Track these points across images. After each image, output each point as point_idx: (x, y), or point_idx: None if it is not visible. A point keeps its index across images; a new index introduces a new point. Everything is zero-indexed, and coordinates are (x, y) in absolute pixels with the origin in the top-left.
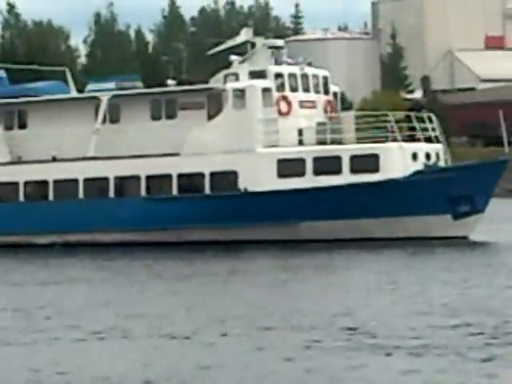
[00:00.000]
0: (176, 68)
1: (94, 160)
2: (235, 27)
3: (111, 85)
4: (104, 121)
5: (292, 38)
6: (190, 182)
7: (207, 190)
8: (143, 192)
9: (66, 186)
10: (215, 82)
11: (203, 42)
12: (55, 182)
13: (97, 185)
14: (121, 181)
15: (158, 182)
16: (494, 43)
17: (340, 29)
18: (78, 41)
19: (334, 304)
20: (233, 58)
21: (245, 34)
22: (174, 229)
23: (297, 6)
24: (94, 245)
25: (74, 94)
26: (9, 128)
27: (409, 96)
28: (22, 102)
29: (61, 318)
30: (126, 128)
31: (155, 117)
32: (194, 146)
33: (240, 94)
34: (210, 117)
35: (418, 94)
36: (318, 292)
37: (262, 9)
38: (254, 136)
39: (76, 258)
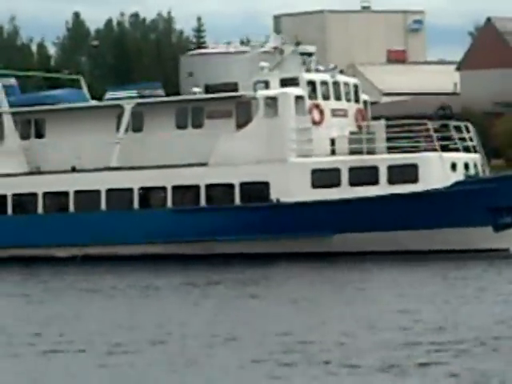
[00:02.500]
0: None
1: (117, 170)
2: (138, 39)
3: (132, 93)
4: (126, 130)
5: (195, 51)
6: (219, 192)
7: (237, 201)
8: (170, 203)
9: (88, 198)
10: (244, 90)
11: (105, 55)
12: (76, 193)
13: (120, 196)
14: (146, 192)
15: (184, 192)
16: (396, 57)
17: (242, 42)
18: None
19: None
20: (262, 64)
21: (273, 41)
22: (201, 241)
23: (199, 19)
24: (117, 258)
25: (93, 102)
26: (25, 137)
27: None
28: (40, 110)
29: None
30: (150, 137)
31: (181, 126)
32: (222, 155)
33: (272, 102)
34: (239, 126)
35: None
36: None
37: (166, 21)
38: (287, 145)
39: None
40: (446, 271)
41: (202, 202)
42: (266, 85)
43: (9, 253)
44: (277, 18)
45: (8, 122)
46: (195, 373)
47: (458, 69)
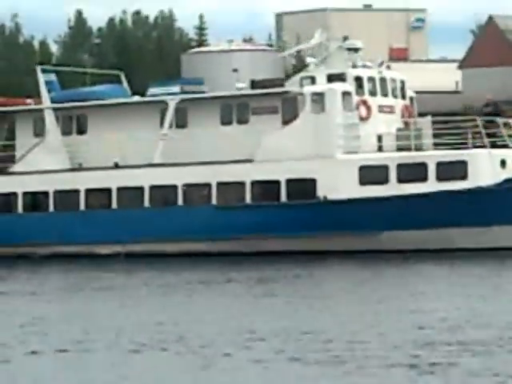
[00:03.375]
0: (80, 78)
1: (160, 167)
2: (140, 37)
3: (176, 88)
4: (170, 126)
5: (196, 49)
6: (265, 189)
7: (283, 198)
8: (214, 200)
9: (131, 194)
10: (290, 86)
11: (107, 53)
12: (119, 189)
13: (164, 193)
14: (190, 188)
15: (229, 189)
16: (398, 55)
17: (245, 40)
18: None
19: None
20: (309, 60)
21: (319, 36)
22: (247, 239)
23: (201, 17)
24: (160, 255)
25: (136, 97)
26: (67, 134)
27: None
28: (82, 106)
29: None
30: (195, 133)
31: (225, 122)
32: (268, 152)
33: (318, 97)
34: (285, 122)
35: None
36: None
37: (167, 19)
38: (334, 142)
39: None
40: (497, 269)
41: (247, 199)
42: (313, 80)
43: (51, 250)
44: (278, 16)
45: (50, 118)
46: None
47: (460, 67)
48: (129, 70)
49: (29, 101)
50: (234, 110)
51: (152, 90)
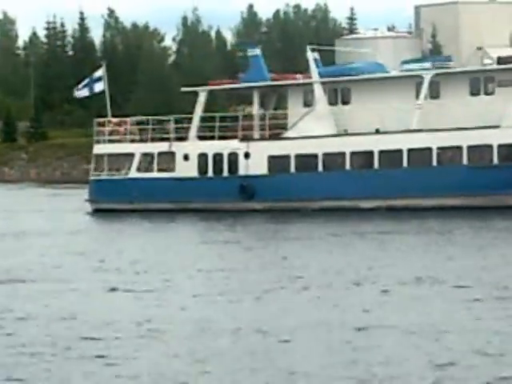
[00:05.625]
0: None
1: (417, 132)
2: (300, 27)
3: (428, 64)
4: (425, 97)
5: (347, 36)
6: (510, 151)
7: None
8: (465, 161)
9: (391, 156)
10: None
11: (273, 41)
12: (380, 152)
13: (421, 155)
14: (443, 151)
15: (479, 151)
16: None
17: (389, 29)
18: (168, 39)
19: None
20: None
21: None
22: (494, 194)
23: (352, 9)
24: (417, 209)
25: (393, 72)
26: (333, 104)
27: None
28: (346, 80)
29: None
30: (447, 103)
31: (474, 93)
32: None
33: None
34: None
35: None
36: None
37: (322, 11)
38: None
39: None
40: None
41: (495, 160)
42: None
43: (320, 205)
44: (417, 8)
45: (318, 90)
46: None
47: None
48: (293, 55)
49: (298, 76)
50: (482, 83)
51: (406, 66)
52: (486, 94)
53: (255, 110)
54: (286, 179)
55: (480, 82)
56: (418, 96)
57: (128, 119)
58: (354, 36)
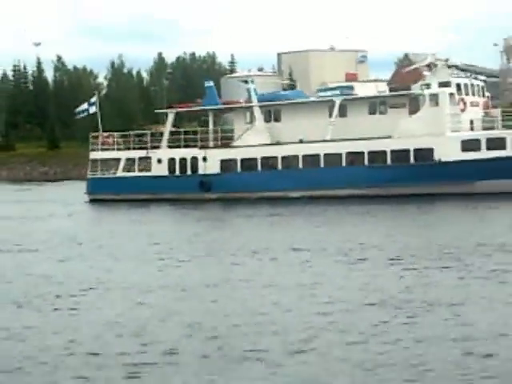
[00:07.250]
0: (161, 95)
1: (330, 142)
2: (196, 69)
3: (337, 92)
4: (336, 116)
5: (230, 75)
6: (399, 155)
7: (412, 161)
8: (366, 162)
9: (311, 159)
10: (414, 90)
11: (176, 78)
12: (304, 156)
13: (333, 158)
14: (350, 155)
15: (376, 155)
16: (351, 78)
17: (259, 69)
18: (101, 77)
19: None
20: (426, 73)
21: (430, 58)
22: (387, 187)
23: (232, 55)
24: (331, 198)
25: (312, 98)
26: (268, 121)
27: None
28: (278, 103)
29: None
30: (352, 120)
31: (372, 112)
32: (401, 132)
33: (434, 97)
34: (411, 112)
35: None
36: None
37: (211, 57)
38: (445, 125)
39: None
40: None
41: (388, 161)
42: (428, 86)
43: (259, 195)
44: (279, 55)
45: (257, 111)
46: None
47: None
48: (191, 88)
49: (241, 100)
50: (377, 105)
51: (322, 93)
52: (381, 113)
53: (210, 125)
54: (234, 176)
55: (376, 105)
56: (330, 115)
57: (115, 133)
58: (234, 75)
